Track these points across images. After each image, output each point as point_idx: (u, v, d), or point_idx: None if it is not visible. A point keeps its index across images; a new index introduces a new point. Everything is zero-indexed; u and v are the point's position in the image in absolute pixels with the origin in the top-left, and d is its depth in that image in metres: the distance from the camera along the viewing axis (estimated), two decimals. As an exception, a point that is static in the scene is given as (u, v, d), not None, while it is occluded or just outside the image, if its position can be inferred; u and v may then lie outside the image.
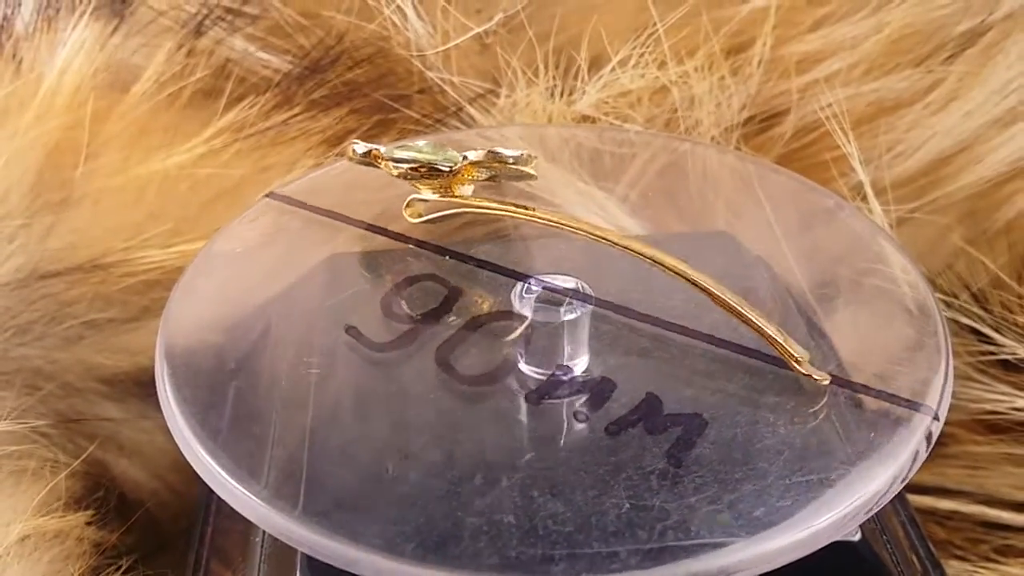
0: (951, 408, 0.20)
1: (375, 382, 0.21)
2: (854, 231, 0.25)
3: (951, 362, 0.21)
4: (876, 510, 0.18)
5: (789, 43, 0.31)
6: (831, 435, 0.19)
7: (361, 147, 0.24)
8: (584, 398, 0.20)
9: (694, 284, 0.21)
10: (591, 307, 0.21)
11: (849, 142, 0.30)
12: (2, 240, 0.27)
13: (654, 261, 0.22)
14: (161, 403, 0.21)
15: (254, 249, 0.25)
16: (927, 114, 0.31)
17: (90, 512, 0.27)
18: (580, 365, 0.21)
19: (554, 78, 0.32)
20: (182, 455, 0.20)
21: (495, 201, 0.24)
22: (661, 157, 0.28)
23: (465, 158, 0.24)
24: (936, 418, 0.19)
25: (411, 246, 0.25)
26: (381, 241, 0.25)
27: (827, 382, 0.20)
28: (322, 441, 0.20)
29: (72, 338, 0.28)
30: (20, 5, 0.30)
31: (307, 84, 0.32)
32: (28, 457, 0.26)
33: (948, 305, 0.31)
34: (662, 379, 0.21)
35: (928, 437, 0.19)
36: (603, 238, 0.22)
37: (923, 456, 0.19)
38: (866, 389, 0.20)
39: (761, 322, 0.21)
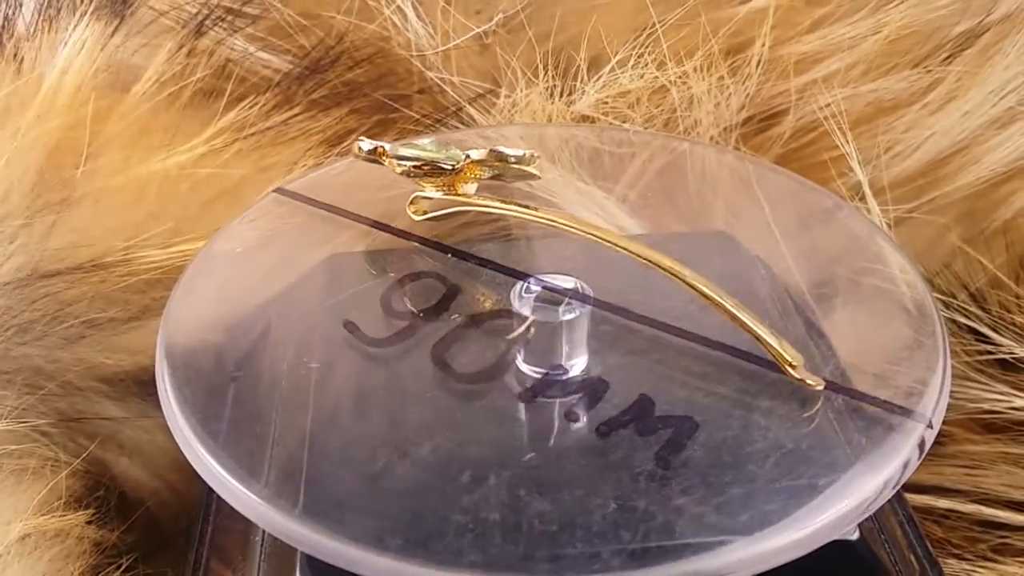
0: (949, 407, 0.20)
1: (375, 381, 0.21)
2: (852, 231, 0.25)
3: (948, 363, 0.21)
4: (865, 516, 0.18)
5: (788, 44, 0.32)
6: (823, 441, 0.19)
7: (367, 144, 0.25)
8: (577, 398, 0.20)
9: (691, 287, 0.21)
10: (590, 307, 0.21)
11: (847, 142, 0.30)
12: (3, 239, 0.27)
13: (652, 263, 0.22)
14: (161, 402, 0.21)
15: (254, 249, 0.25)
16: (925, 114, 0.31)
17: (90, 511, 0.27)
18: (578, 365, 0.21)
19: (553, 78, 0.32)
20: (182, 454, 0.20)
21: (497, 200, 0.24)
22: (660, 157, 0.28)
23: (468, 157, 0.24)
24: (930, 426, 0.19)
25: (412, 245, 0.25)
26: (381, 241, 0.25)
27: (821, 387, 0.20)
28: (322, 441, 0.20)
29: (73, 337, 0.28)
30: (21, 5, 0.30)
31: (307, 84, 0.32)
32: (29, 456, 0.26)
33: (946, 305, 0.31)
34: (656, 381, 0.21)
35: (921, 445, 0.19)
36: (604, 239, 0.22)
37: (915, 464, 0.19)
38: (860, 395, 0.20)
39: (756, 326, 0.21)
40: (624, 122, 0.31)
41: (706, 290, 0.21)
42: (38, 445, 0.27)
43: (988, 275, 0.31)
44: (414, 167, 0.24)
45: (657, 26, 0.31)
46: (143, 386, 0.29)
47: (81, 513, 0.26)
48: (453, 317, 0.22)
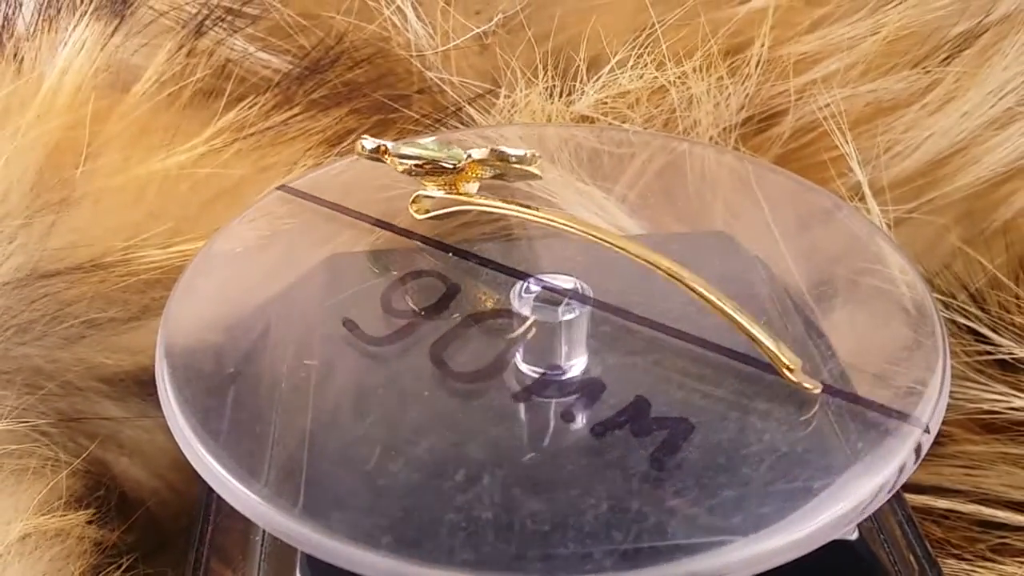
0: (948, 407, 0.20)
1: (375, 381, 0.21)
2: (852, 231, 0.25)
3: (948, 365, 0.21)
4: (859, 520, 0.18)
5: (787, 44, 0.32)
6: (818, 444, 0.19)
7: (370, 143, 0.25)
8: (573, 399, 0.20)
9: (689, 289, 0.21)
10: (589, 308, 0.21)
11: (847, 142, 0.30)
12: (2, 239, 0.27)
13: (651, 264, 0.22)
14: (161, 402, 0.21)
15: (254, 248, 0.25)
16: (924, 115, 0.31)
17: (91, 511, 0.27)
18: (577, 365, 0.21)
19: (553, 78, 0.32)
20: (182, 454, 0.20)
21: (499, 199, 0.24)
22: (660, 157, 0.28)
23: (469, 156, 0.24)
24: (927, 431, 0.19)
25: (412, 244, 0.25)
26: (381, 240, 0.25)
27: (818, 391, 0.20)
28: (322, 440, 0.20)
29: (72, 337, 0.28)
30: (21, 5, 0.30)
31: (307, 84, 0.32)
32: (29, 456, 0.26)
33: (946, 305, 0.31)
34: (653, 382, 0.21)
35: (917, 450, 0.19)
36: (604, 240, 0.22)
37: (911, 469, 0.19)
38: (857, 399, 0.20)
39: (754, 328, 0.21)
40: (623, 122, 0.31)
41: (704, 292, 0.21)
42: (38, 445, 0.27)
43: (988, 275, 0.31)
44: (416, 166, 0.24)
45: (656, 26, 0.31)
46: (143, 386, 0.29)
47: (81, 513, 0.26)
48: (453, 316, 0.22)
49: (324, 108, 0.32)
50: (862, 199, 0.31)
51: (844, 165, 0.31)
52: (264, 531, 0.21)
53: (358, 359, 0.22)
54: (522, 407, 0.20)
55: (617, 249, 0.22)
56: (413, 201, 0.25)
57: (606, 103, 0.31)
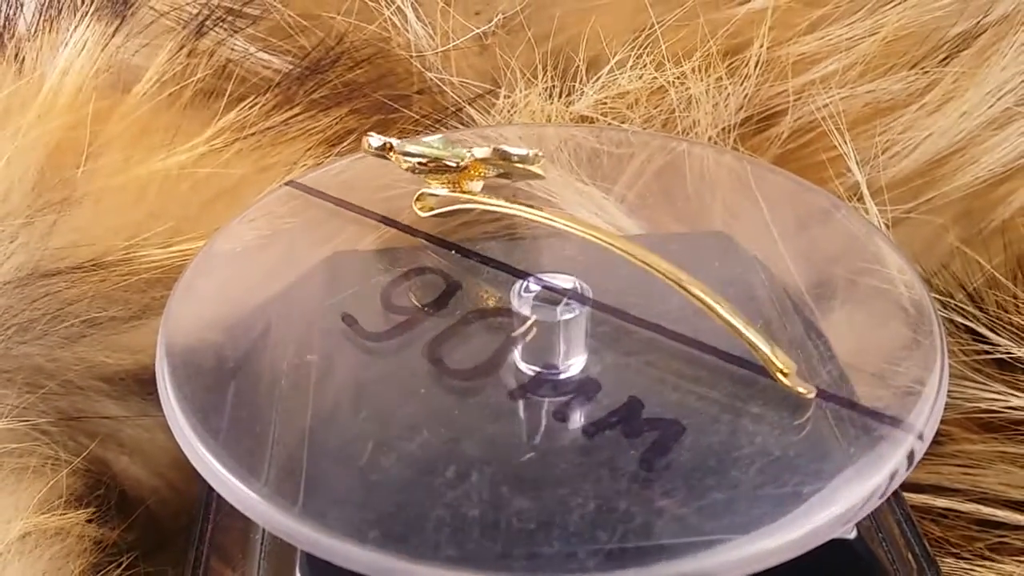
0: (946, 407, 0.20)
1: (374, 380, 0.21)
2: (850, 231, 0.25)
3: (946, 367, 0.21)
4: (848, 525, 0.18)
5: (786, 44, 0.32)
6: (810, 449, 0.19)
7: (376, 140, 0.25)
8: (567, 398, 0.20)
9: (686, 291, 0.21)
10: (588, 308, 0.21)
11: (845, 143, 0.30)
12: (4, 239, 0.27)
13: (649, 266, 0.22)
14: (162, 401, 0.21)
15: (255, 248, 0.25)
16: (923, 115, 0.31)
17: (91, 509, 0.27)
18: (574, 365, 0.21)
19: (552, 79, 0.32)
20: (182, 453, 0.20)
21: (501, 198, 0.24)
22: (659, 157, 0.28)
23: (472, 155, 0.24)
24: (920, 438, 0.19)
25: (413, 243, 0.25)
26: (381, 240, 0.25)
27: (812, 395, 0.20)
28: (321, 439, 0.20)
29: (73, 336, 0.28)
30: (22, 6, 0.30)
31: (307, 84, 0.32)
32: (29, 455, 0.26)
33: (944, 305, 0.31)
34: (648, 383, 0.21)
35: (910, 456, 0.19)
36: (604, 240, 0.22)
37: (903, 475, 0.19)
38: (852, 405, 0.20)
39: (749, 332, 0.20)
40: (623, 122, 0.31)
41: (700, 295, 0.21)
42: (38, 444, 0.27)
43: (986, 275, 0.31)
44: (420, 163, 0.24)
45: (656, 27, 0.31)
46: (143, 385, 0.29)
47: (81, 511, 0.26)
48: (453, 314, 0.23)
49: (324, 108, 0.32)
50: (860, 199, 0.31)
51: (843, 165, 0.31)
52: (264, 530, 0.21)
53: (358, 357, 0.22)
54: (516, 405, 0.20)
55: (615, 250, 0.22)
56: (417, 199, 0.25)
57: (605, 103, 0.31)
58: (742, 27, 0.31)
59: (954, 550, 0.29)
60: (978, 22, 0.31)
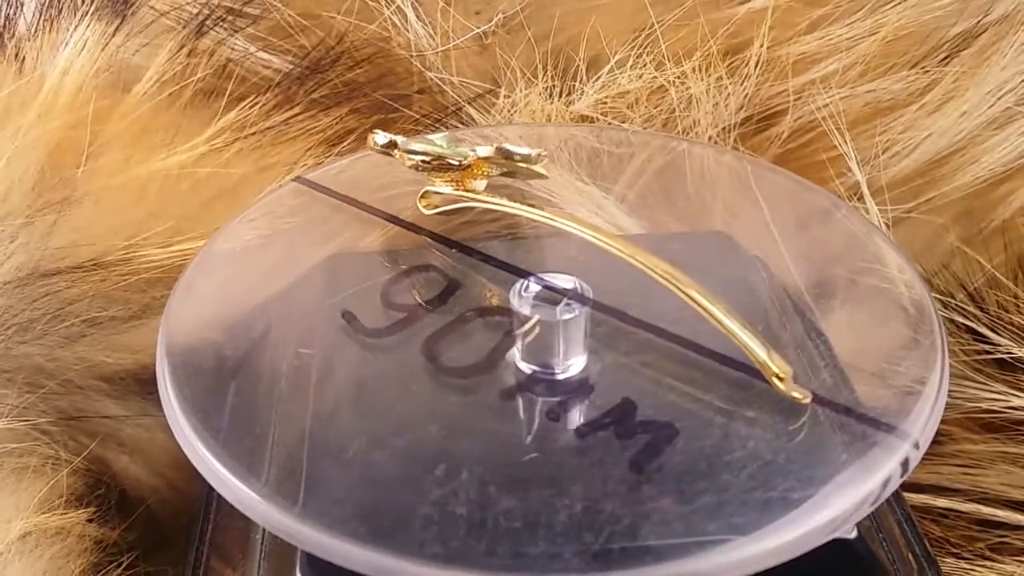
0: (947, 407, 0.20)
1: (374, 380, 0.21)
2: (851, 231, 0.25)
3: (946, 365, 0.21)
4: (839, 531, 0.18)
5: (786, 44, 0.32)
6: (804, 454, 0.19)
7: (382, 137, 0.25)
8: (561, 398, 0.20)
9: (683, 293, 0.21)
10: (588, 308, 0.21)
11: (845, 142, 0.30)
12: (4, 238, 0.27)
13: (647, 267, 0.22)
14: (162, 401, 0.21)
15: (255, 248, 0.25)
16: (923, 115, 0.31)
17: (91, 509, 0.27)
18: (572, 365, 0.21)
19: (553, 78, 0.32)
20: (183, 452, 0.20)
21: (504, 197, 0.24)
22: (659, 157, 0.28)
23: (475, 154, 0.24)
24: (916, 446, 0.19)
25: (414, 243, 0.25)
26: (381, 240, 0.25)
27: (808, 400, 0.20)
28: (321, 439, 0.20)
29: (73, 336, 0.28)
30: (23, 5, 0.30)
31: (308, 84, 0.32)
32: (29, 454, 0.26)
33: (944, 304, 0.31)
34: (644, 385, 0.21)
35: (904, 463, 0.19)
36: (603, 240, 0.22)
37: (896, 482, 0.19)
38: (847, 411, 0.20)
39: (745, 336, 0.20)
40: (623, 122, 0.31)
41: (697, 296, 0.21)
42: (39, 443, 0.27)
43: (986, 275, 0.31)
44: (423, 162, 0.24)
45: (656, 27, 0.31)
46: (143, 384, 0.29)
47: (82, 511, 0.26)
48: (452, 313, 0.23)
49: (324, 108, 0.32)
50: (861, 199, 0.31)
51: (843, 165, 0.31)
52: (264, 529, 0.21)
53: (358, 357, 0.22)
54: (510, 405, 0.20)
55: (614, 251, 0.22)
56: (422, 196, 0.25)
57: (605, 103, 0.31)
58: (742, 27, 0.32)
59: (954, 550, 0.29)
60: (978, 22, 0.31)
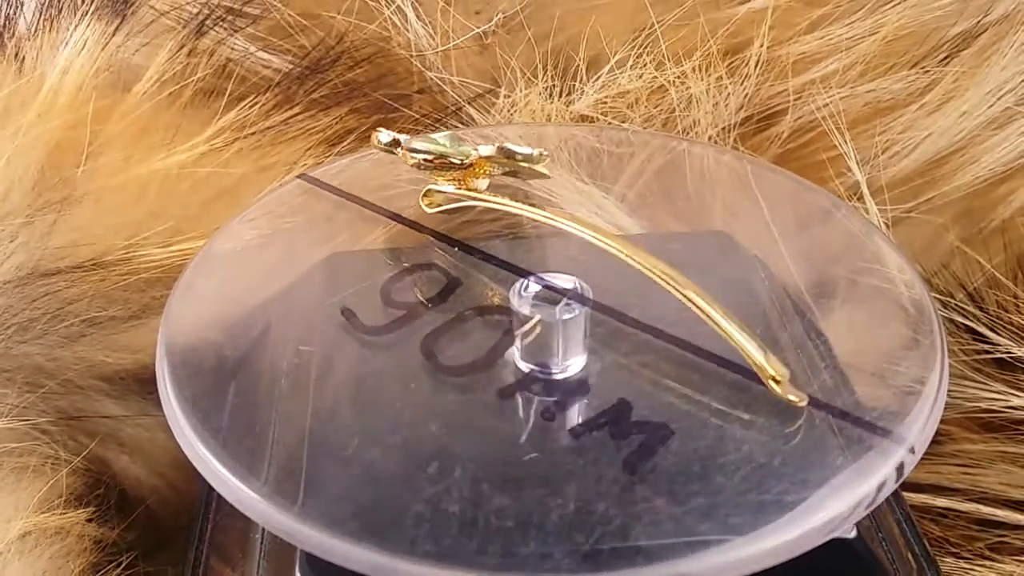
0: (947, 406, 0.20)
1: (374, 380, 0.21)
2: (850, 231, 0.25)
3: (946, 365, 0.21)
4: (832, 534, 0.18)
5: (786, 44, 0.32)
6: (799, 457, 0.19)
7: (385, 136, 0.25)
8: (557, 398, 0.20)
9: (681, 294, 0.21)
10: (587, 308, 0.21)
11: (845, 142, 0.30)
12: (4, 238, 0.27)
13: (646, 268, 0.22)
14: (162, 400, 0.21)
15: (255, 247, 0.25)
16: (923, 115, 0.31)
17: (91, 509, 0.27)
18: (571, 365, 0.21)
19: (553, 78, 0.32)
20: (182, 452, 0.20)
21: (506, 197, 0.24)
22: (659, 157, 0.28)
23: (477, 153, 0.24)
24: (912, 451, 0.19)
25: (414, 243, 0.25)
26: (381, 240, 0.25)
27: (804, 403, 0.20)
28: (321, 438, 0.20)
29: (73, 336, 0.28)
30: (22, 5, 0.31)
31: (307, 84, 0.32)
32: (29, 454, 0.26)
33: (944, 304, 0.31)
34: (640, 385, 0.21)
35: (900, 468, 0.19)
36: (603, 240, 0.22)
37: (891, 487, 0.18)
38: (843, 415, 0.20)
39: (742, 338, 0.20)
40: (623, 122, 0.31)
41: (694, 297, 0.21)
42: (39, 443, 0.27)
43: (986, 275, 0.31)
44: (425, 160, 0.24)
45: (656, 26, 0.31)
46: (143, 384, 0.29)
47: (81, 511, 0.26)
48: (452, 311, 0.23)
49: (324, 108, 0.32)
50: (860, 199, 0.31)
51: (843, 165, 0.31)
52: (264, 529, 0.21)
53: (357, 356, 0.22)
54: (508, 404, 0.20)
55: (613, 251, 0.22)
56: (424, 194, 0.25)
57: (605, 103, 0.31)
58: (742, 26, 0.32)
59: (954, 550, 0.29)
60: (978, 22, 0.31)
